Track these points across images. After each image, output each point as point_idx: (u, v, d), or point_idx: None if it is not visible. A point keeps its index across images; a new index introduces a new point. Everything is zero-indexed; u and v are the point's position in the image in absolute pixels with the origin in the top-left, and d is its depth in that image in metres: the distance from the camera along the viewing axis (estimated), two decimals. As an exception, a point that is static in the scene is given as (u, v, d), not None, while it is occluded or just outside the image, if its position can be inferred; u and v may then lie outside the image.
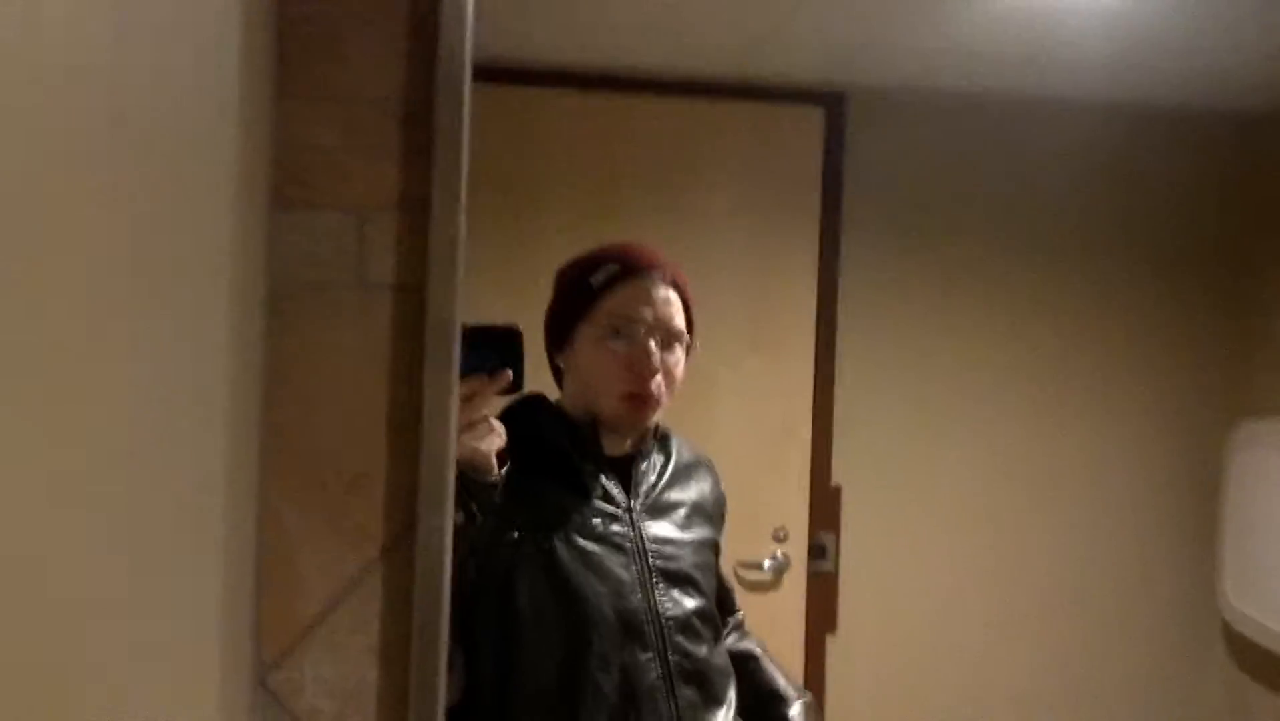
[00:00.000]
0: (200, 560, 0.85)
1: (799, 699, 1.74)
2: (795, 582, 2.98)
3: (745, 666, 1.74)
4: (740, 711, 1.66)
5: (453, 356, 1.00)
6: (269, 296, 0.96)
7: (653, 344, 1.56)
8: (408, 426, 0.98)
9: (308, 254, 0.96)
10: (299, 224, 0.95)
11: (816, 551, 2.99)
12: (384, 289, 0.98)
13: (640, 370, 1.55)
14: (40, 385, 0.61)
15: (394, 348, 0.99)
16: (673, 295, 1.60)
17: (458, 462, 1.31)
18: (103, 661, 0.71)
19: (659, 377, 1.57)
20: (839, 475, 3.02)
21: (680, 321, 1.61)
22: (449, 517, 1.00)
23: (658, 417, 1.62)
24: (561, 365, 1.64)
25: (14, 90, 0.52)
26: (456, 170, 0.96)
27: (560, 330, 1.62)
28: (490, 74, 2.75)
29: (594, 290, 1.58)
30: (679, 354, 1.61)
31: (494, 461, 1.37)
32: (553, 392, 1.66)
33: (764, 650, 1.80)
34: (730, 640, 1.75)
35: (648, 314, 1.57)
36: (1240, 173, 3.10)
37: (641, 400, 1.56)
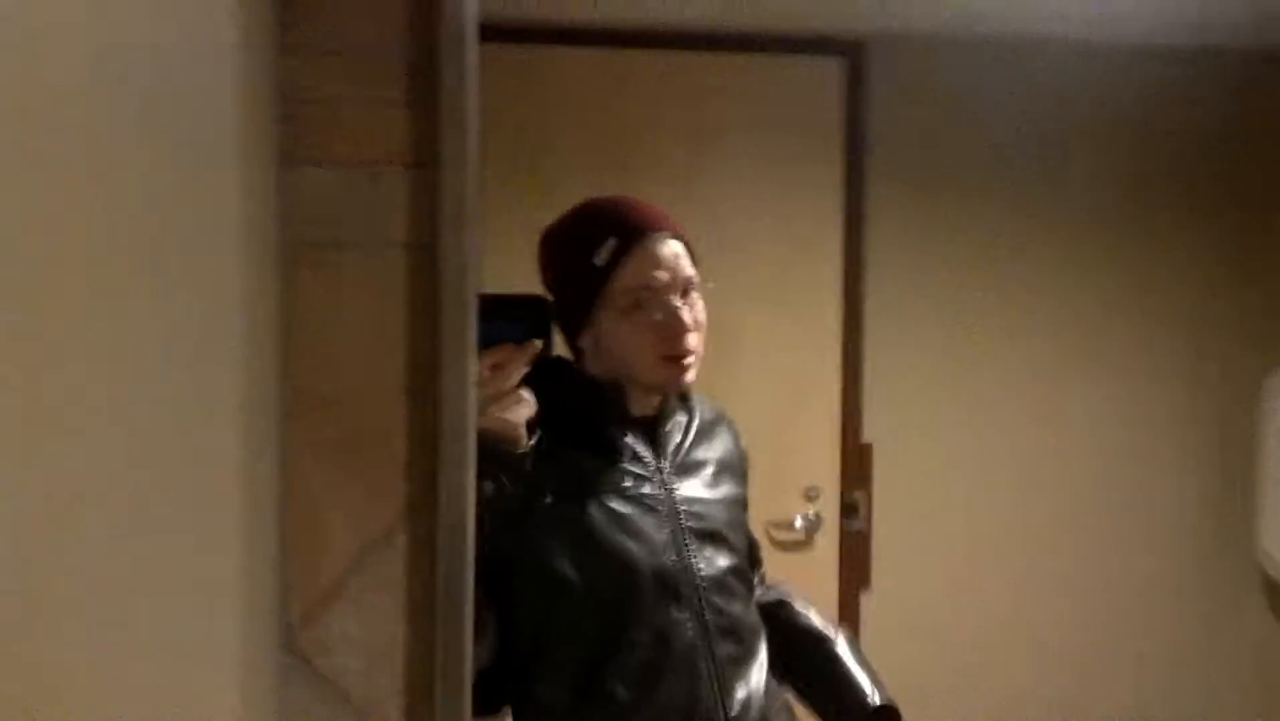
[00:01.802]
0: (219, 521, 0.85)
1: (839, 634, 1.74)
2: (828, 541, 2.97)
3: (779, 613, 1.74)
4: (779, 657, 1.66)
5: (468, 314, 0.99)
6: (281, 256, 0.95)
7: (676, 301, 1.54)
8: (426, 384, 0.97)
9: (318, 212, 0.95)
10: (308, 181, 0.94)
11: (848, 509, 2.98)
12: (397, 247, 0.97)
13: (675, 333, 1.54)
14: (53, 353, 0.60)
15: (409, 306, 0.98)
16: (677, 246, 1.58)
17: (487, 434, 1.31)
18: (121, 625, 0.71)
19: (692, 334, 1.56)
20: (869, 432, 3.00)
21: (690, 268, 1.58)
22: (470, 474, 0.99)
23: (696, 371, 1.60)
24: (583, 347, 1.61)
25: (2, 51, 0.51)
26: (464, 124, 0.95)
27: (574, 316, 1.59)
28: (503, 33, 2.73)
29: (602, 270, 1.54)
30: (698, 299, 1.59)
31: (523, 432, 1.36)
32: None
33: (792, 594, 1.80)
34: (758, 592, 1.75)
35: (664, 277, 1.54)
36: (1271, 112, 3.04)
37: (683, 361, 1.55)
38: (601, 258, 1.54)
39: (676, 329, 1.53)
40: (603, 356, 1.59)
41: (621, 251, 1.54)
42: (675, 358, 1.55)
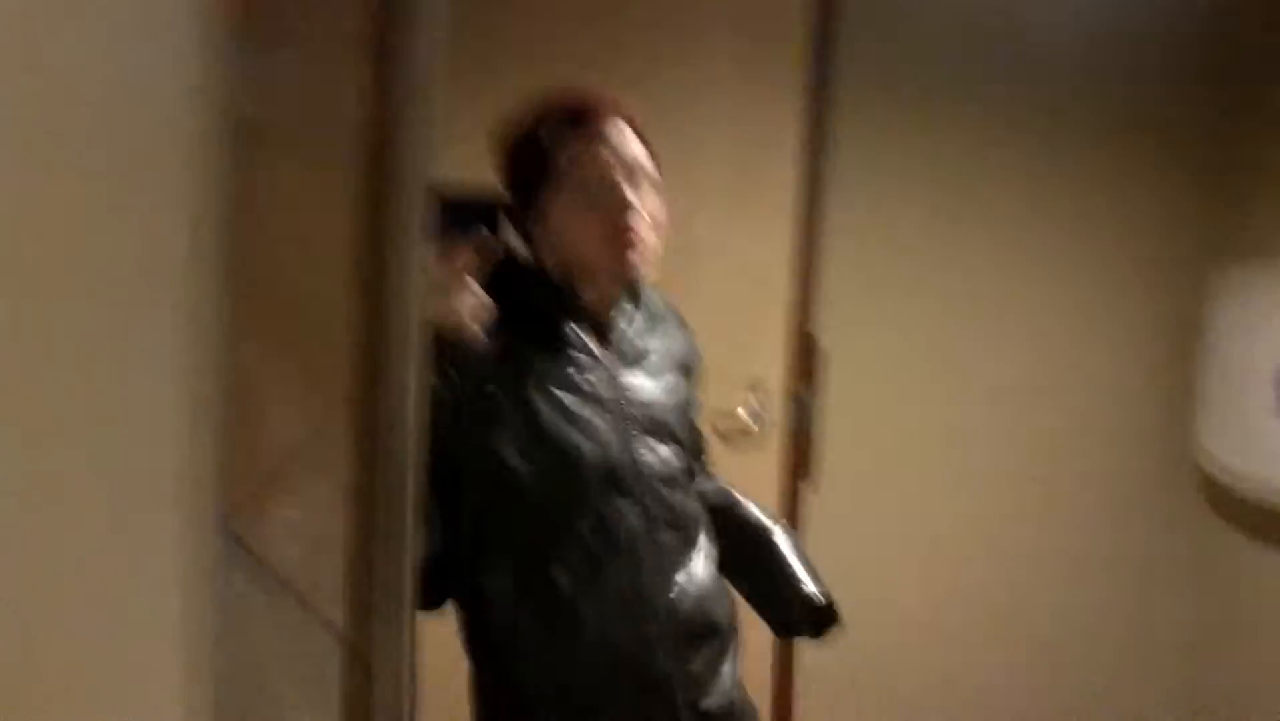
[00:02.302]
0: (158, 406, 0.83)
1: (775, 524, 1.77)
2: (772, 434, 2.99)
3: (720, 506, 1.76)
4: (723, 548, 1.68)
5: (420, 204, 0.96)
6: (231, 140, 0.92)
7: (628, 190, 1.52)
8: (375, 273, 0.96)
9: (269, 95, 0.91)
10: (259, 61, 0.90)
11: (795, 403, 3.01)
12: (350, 131, 0.94)
13: (625, 221, 1.52)
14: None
15: (361, 194, 0.95)
16: (629, 133, 1.55)
17: (438, 327, 1.30)
18: (56, 511, 0.70)
19: (642, 220, 1.54)
20: (823, 328, 3.01)
21: (644, 157, 1.56)
22: (417, 365, 0.98)
23: (650, 267, 1.59)
24: (533, 235, 1.59)
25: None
26: (425, 4, 0.91)
27: (523, 199, 1.56)
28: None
29: (548, 152, 1.52)
30: (651, 192, 1.57)
31: (478, 329, 1.35)
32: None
33: (733, 489, 1.82)
34: (699, 482, 1.77)
35: (611, 161, 1.52)
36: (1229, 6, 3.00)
37: (634, 249, 1.54)
38: (548, 140, 1.52)
39: (627, 216, 1.51)
40: (552, 244, 1.57)
41: (569, 135, 1.52)
42: (626, 246, 1.53)
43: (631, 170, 1.53)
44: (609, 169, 1.51)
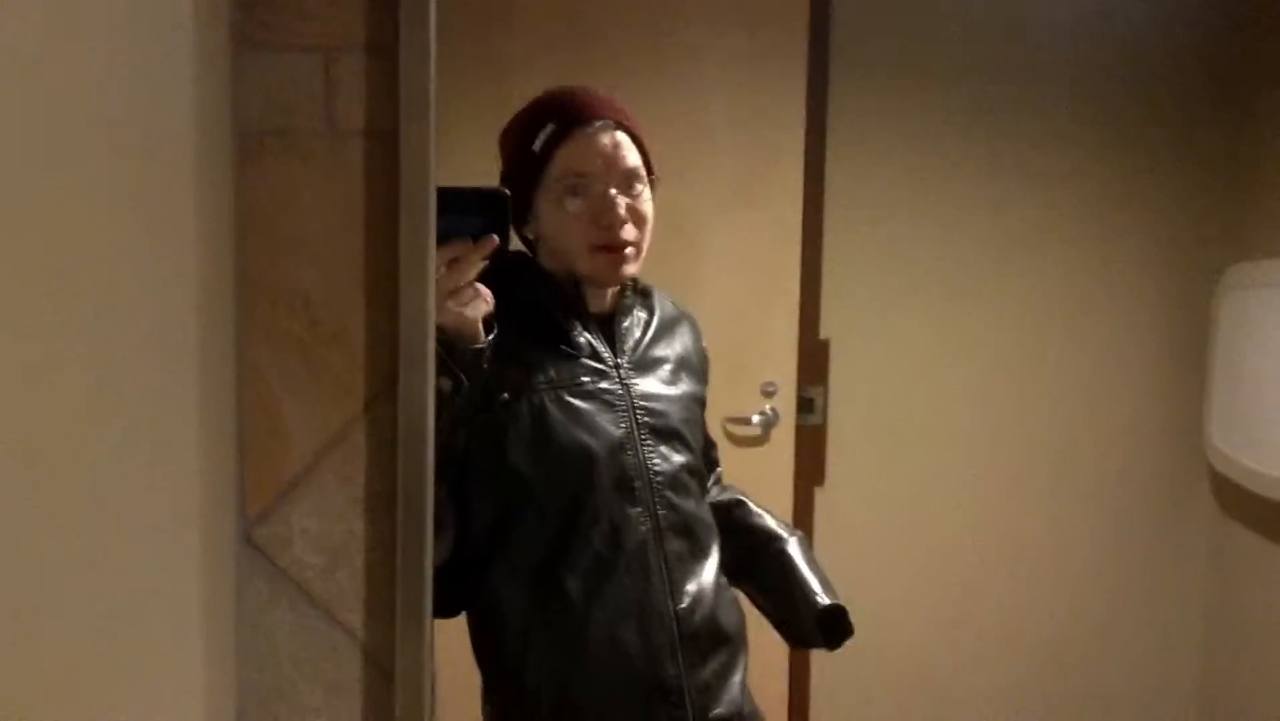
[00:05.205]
0: (177, 415, 0.83)
1: (791, 535, 1.76)
2: (784, 437, 2.99)
3: (733, 513, 1.76)
4: (732, 556, 1.68)
5: (428, 206, 0.96)
6: (236, 145, 0.92)
7: (613, 191, 1.52)
8: (385, 278, 0.96)
9: (273, 98, 0.92)
10: (263, 66, 0.91)
11: (805, 405, 3.00)
12: (354, 136, 0.94)
13: (607, 221, 1.51)
14: (3, 242, 0.58)
15: (368, 197, 0.95)
16: (620, 136, 1.55)
17: (444, 329, 1.29)
18: (78, 521, 0.70)
19: (629, 225, 1.53)
20: (827, 328, 3.01)
21: (635, 159, 1.55)
22: (430, 370, 0.98)
23: (639, 266, 1.58)
24: (530, 236, 1.59)
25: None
26: (424, 8, 0.91)
27: (518, 205, 1.56)
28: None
29: (539, 155, 1.52)
30: (643, 192, 1.56)
31: (480, 328, 1.35)
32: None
33: (749, 496, 1.82)
34: (713, 493, 1.76)
35: (599, 164, 1.51)
36: (1238, 7, 3.01)
37: (616, 251, 1.53)
38: (539, 143, 1.52)
39: (609, 217, 1.51)
40: (547, 247, 1.57)
41: (559, 137, 1.52)
42: (607, 247, 1.52)
43: (620, 171, 1.53)
44: (599, 179, 1.51)
